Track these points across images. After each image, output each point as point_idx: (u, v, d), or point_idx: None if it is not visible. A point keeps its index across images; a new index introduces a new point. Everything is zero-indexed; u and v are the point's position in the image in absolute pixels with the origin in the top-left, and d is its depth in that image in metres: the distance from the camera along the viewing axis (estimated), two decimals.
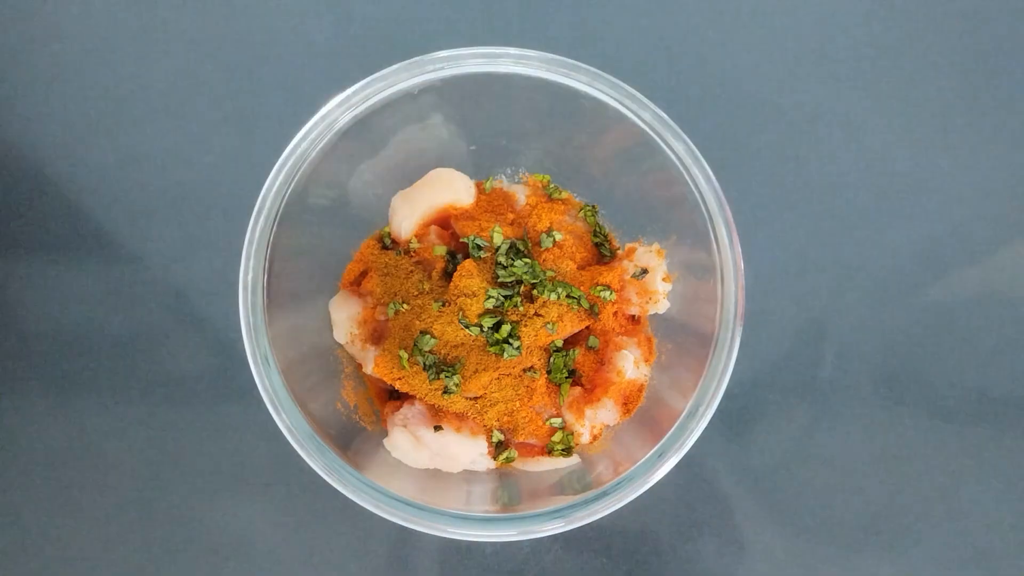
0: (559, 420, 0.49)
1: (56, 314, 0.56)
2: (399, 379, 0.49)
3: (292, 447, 0.42)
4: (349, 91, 0.46)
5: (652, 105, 0.46)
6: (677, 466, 0.43)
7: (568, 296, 0.49)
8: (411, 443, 0.48)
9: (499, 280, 0.49)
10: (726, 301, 0.44)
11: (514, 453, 0.49)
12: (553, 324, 0.48)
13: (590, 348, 0.51)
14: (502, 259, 0.50)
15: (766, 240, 0.58)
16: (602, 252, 0.53)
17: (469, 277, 0.49)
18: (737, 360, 0.44)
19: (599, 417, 0.49)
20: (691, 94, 0.60)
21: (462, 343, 0.48)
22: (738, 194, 0.47)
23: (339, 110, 0.46)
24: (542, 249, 0.51)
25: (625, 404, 0.50)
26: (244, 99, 0.60)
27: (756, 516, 0.54)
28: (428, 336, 0.48)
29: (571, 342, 0.51)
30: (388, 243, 0.53)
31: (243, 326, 0.43)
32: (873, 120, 0.61)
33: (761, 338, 0.56)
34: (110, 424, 0.54)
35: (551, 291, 0.49)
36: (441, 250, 0.51)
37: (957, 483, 0.55)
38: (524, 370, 0.49)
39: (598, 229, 0.54)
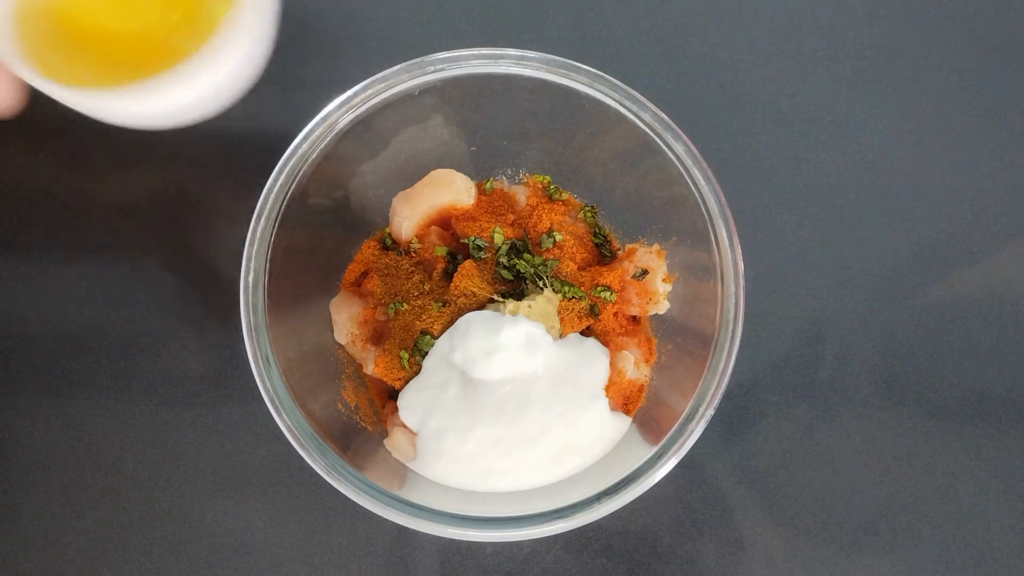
0: None
1: (56, 314, 0.56)
2: (399, 379, 0.49)
3: (292, 447, 0.42)
4: (350, 92, 0.46)
5: (652, 106, 0.46)
6: (677, 466, 0.43)
7: (569, 296, 0.49)
8: (411, 443, 0.48)
9: (500, 279, 0.49)
10: (726, 302, 0.45)
11: None
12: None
13: None
14: (503, 259, 0.50)
15: (766, 240, 0.58)
16: (602, 253, 0.53)
17: (469, 278, 0.49)
18: (737, 360, 0.44)
19: None
20: (691, 94, 0.60)
21: None
22: (738, 194, 0.47)
23: (340, 111, 0.46)
24: (542, 250, 0.51)
25: (625, 404, 0.50)
26: (244, 99, 0.60)
27: (756, 516, 0.54)
28: (428, 337, 0.48)
29: None
30: (389, 244, 0.53)
31: (243, 326, 0.43)
32: (873, 120, 0.61)
33: (761, 338, 0.56)
34: (110, 424, 0.54)
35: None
36: (441, 251, 0.51)
37: (957, 483, 0.55)
38: None
39: (598, 230, 0.54)
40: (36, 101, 0.59)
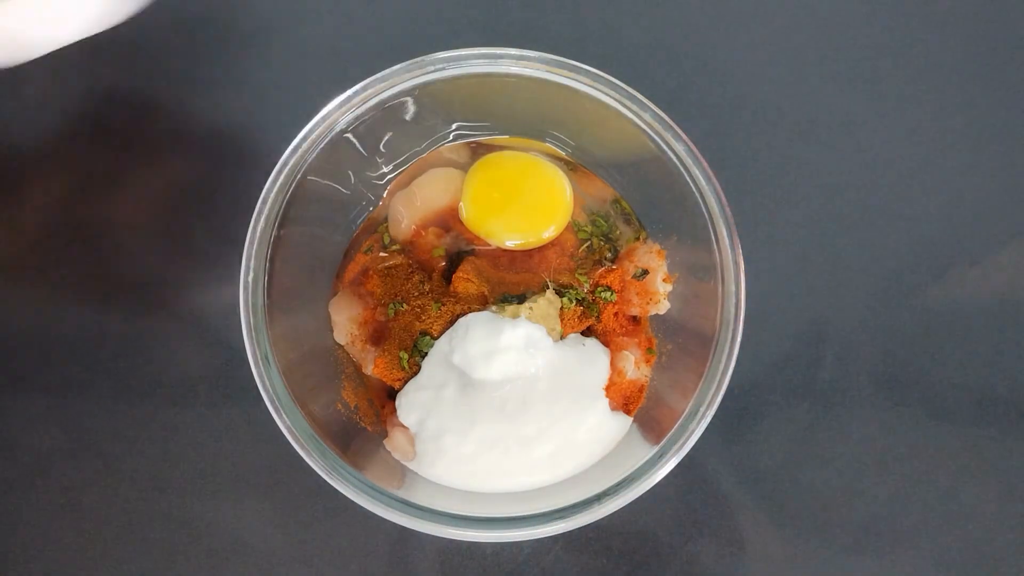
0: None
1: (56, 314, 0.56)
2: (399, 380, 0.49)
3: (292, 447, 0.42)
4: (349, 91, 0.46)
5: (652, 106, 0.46)
6: (677, 467, 0.43)
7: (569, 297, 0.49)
8: (411, 443, 0.48)
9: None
10: (726, 301, 0.44)
11: None
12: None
13: None
14: None
15: (766, 240, 0.58)
16: (609, 248, 0.53)
17: (468, 280, 0.49)
18: (737, 361, 0.44)
19: None
20: (691, 94, 0.60)
21: None
22: (738, 194, 0.47)
23: (339, 111, 0.46)
24: None
25: (625, 405, 0.50)
26: (245, 99, 0.60)
27: (757, 517, 0.54)
28: (428, 337, 0.48)
29: None
30: (389, 244, 0.53)
31: (243, 326, 0.43)
32: (873, 120, 0.61)
33: (762, 338, 0.56)
34: (110, 424, 0.54)
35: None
36: (440, 251, 0.51)
37: (958, 484, 0.55)
38: None
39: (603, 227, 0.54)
40: (30, 105, 0.59)
